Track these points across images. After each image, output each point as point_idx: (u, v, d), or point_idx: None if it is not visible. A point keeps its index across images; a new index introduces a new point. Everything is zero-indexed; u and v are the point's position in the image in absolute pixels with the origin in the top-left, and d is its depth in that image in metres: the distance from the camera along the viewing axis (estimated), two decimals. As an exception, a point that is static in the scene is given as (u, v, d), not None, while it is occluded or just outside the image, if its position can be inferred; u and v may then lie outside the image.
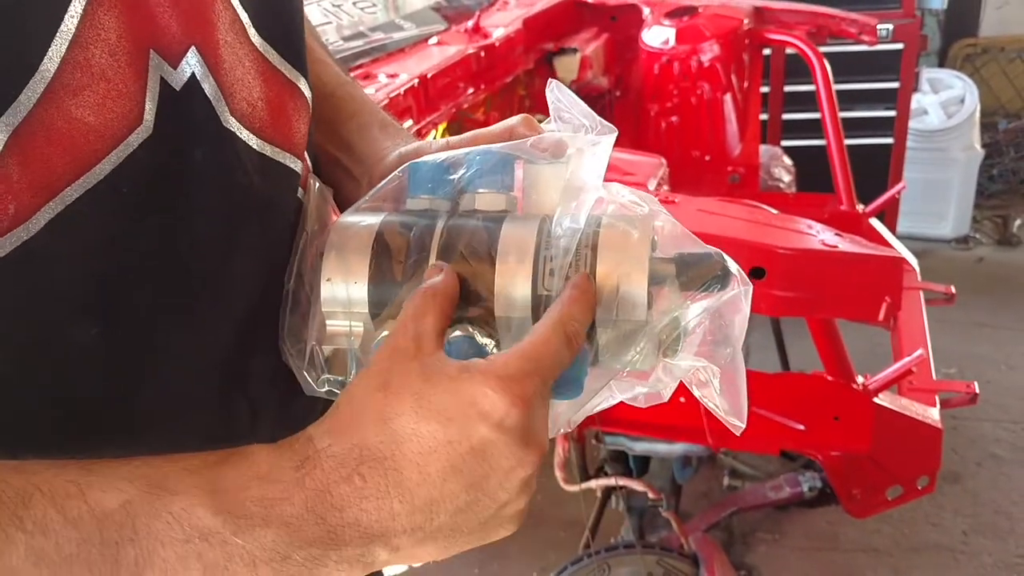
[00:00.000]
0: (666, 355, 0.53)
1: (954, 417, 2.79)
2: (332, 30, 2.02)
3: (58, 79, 0.44)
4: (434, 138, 2.11)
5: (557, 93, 0.58)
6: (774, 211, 1.40)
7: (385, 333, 0.53)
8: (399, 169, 0.58)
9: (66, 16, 0.44)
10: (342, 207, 0.67)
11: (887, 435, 1.51)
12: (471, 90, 2.12)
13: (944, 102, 4.03)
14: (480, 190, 0.56)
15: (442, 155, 0.58)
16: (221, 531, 0.42)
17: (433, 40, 2.23)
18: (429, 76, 1.91)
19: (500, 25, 2.34)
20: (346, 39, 2.02)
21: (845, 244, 1.23)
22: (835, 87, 2.41)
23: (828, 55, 2.46)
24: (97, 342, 0.48)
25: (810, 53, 2.44)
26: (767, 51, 2.93)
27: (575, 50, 2.50)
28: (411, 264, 0.53)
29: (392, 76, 1.88)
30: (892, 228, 2.86)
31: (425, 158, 0.58)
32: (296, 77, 0.59)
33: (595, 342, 0.53)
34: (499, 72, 2.27)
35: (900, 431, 1.54)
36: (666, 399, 0.56)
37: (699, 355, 0.54)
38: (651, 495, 1.76)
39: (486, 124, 2.36)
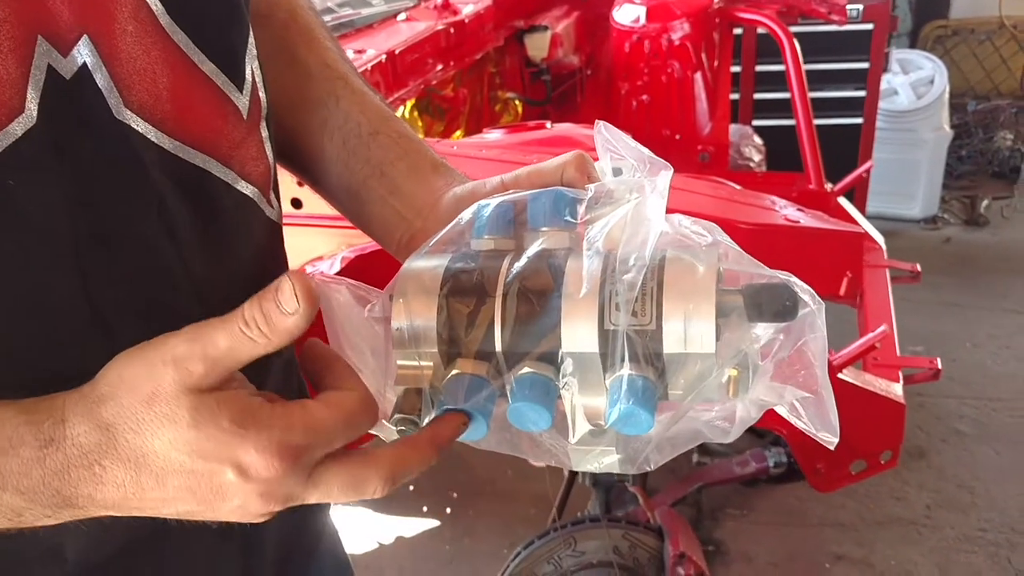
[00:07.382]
0: (738, 389, 0.52)
1: (920, 394, 2.83)
2: (299, 5, 2.00)
3: None
4: (403, 115, 2.10)
5: (606, 133, 0.58)
6: (738, 187, 1.41)
7: (456, 372, 0.54)
8: (465, 212, 0.59)
9: None
10: (390, 246, 0.69)
11: (851, 410, 1.52)
12: (440, 66, 2.12)
13: (914, 83, 4.05)
14: (544, 228, 0.57)
15: (505, 196, 0.59)
16: None
17: (402, 16, 2.22)
18: (397, 52, 1.90)
19: (470, 1, 2.33)
20: (313, 14, 1.99)
21: (807, 219, 1.24)
22: (805, 67, 2.41)
23: (799, 35, 2.47)
24: None
25: (780, 32, 2.44)
26: (738, 30, 2.93)
27: (546, 27, 2.50)
28: (477, 303, 0.54)
29: (360, 52, 1.87)
30: (862, 208, 2.88)
31: (489, 200, 0.59)
32: (214, 72, 0.56)
33: (664, 377, 0.52)
34: (468, 49, 2.26)
35: (864, 406, 1.55)
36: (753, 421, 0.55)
37: (779, 378, 0.53)
38: (618, 470, 1.77)
39: (455, 101, 2.37)
